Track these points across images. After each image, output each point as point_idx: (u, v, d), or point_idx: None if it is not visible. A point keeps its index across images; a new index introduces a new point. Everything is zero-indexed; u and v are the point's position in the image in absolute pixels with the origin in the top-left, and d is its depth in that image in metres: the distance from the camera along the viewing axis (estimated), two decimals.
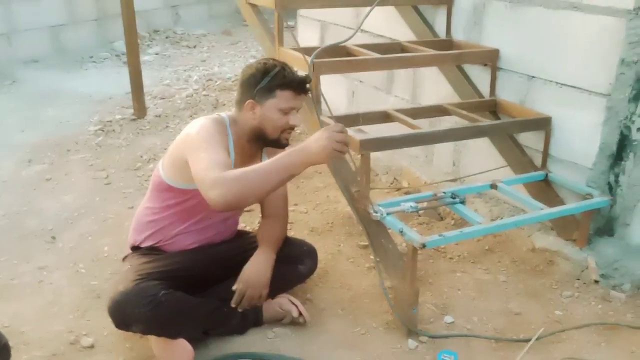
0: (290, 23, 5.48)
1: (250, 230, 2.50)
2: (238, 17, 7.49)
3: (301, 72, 1.93)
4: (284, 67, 1.86)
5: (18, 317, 2.06)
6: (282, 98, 1.85)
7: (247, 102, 1.87)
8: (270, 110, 1.86)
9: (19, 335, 1.97)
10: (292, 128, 1.92)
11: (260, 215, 2.17)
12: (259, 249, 2.01)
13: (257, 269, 1.96)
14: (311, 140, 1.66)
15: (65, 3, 5.90)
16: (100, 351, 1.91)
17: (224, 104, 4.47)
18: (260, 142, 1.94)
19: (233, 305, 1.91)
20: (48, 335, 1.97)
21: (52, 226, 2.68)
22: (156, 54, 6.26)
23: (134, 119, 4.11)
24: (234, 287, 1.92)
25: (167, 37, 6.94)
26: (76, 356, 1.89)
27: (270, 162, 1.64)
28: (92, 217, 2.77)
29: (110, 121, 4.07)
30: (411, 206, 1.98)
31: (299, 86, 1.86)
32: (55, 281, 2.29)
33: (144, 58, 5.92)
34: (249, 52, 6.48)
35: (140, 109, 4.16)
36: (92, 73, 5.50)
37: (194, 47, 6.69)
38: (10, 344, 1.87)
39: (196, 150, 1.73)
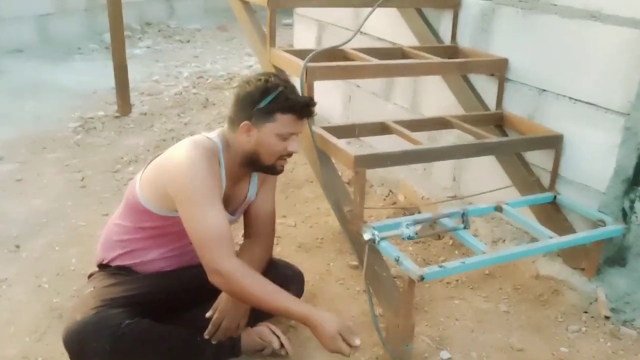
0: (287, 21, 5.30)
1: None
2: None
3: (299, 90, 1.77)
4: (286, 87, 1.67)
5: None
6: (283, 122, 1.66)
7: (243, 124, 1.66)
8: (267, 135, 1.66)
9: None
10: (289, 155, 1.74)
11: (243, 231, 1.97)
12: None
13: (233, 300, 1.75)
14: (321, 326, 1.54)
15: None
16: None
17: (214, 104, 4.27)
18: (253, 167, 1.75)
19: (206, 337, 1.71)
20: None
21: (17, 233, 2.48)
22: (147, 47, 6.05)
23: (117, 117, 3.91)
24: (207, 315, 1.72)
25: (159, 31, 6.72)
26: None
27: (280, 305, 1.57)
28: (61, 224, 2.56)
29: (92, 118, 3.86)
30: (409, 236, 1.77)
31: (303, 110, 1.68)
32: (14, 296, 2.08)
33: (134, 51, 5.71)
34: (244, 50, 6.27)
35: (124, 106, 3.95)
36: (78, 65, 5.28)
37: (187, 42, 6.48)
38: None
39: (189, 202, 1.58)
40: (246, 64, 5.63)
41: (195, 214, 1.57)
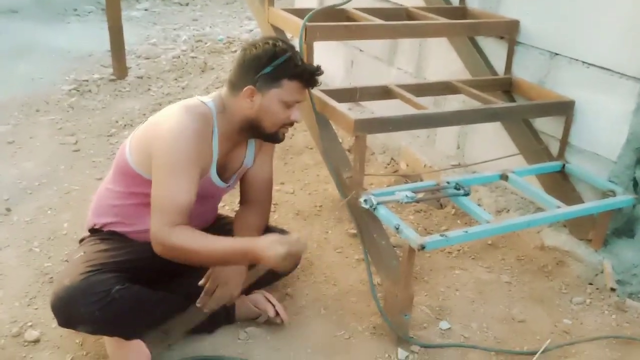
0: None
1: (228, 213, 2.22)
2: None
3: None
4: (295, 53, 1.62)
5: None
6: (289, 89, 1.60)
7: (246, 88, 1.58)
8: (271, 102, 1.60)
9: None
10: (291, 124, 1.67)
11: (240, 198, 1.90)
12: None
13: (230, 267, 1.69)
14: (266, 246, 1.48)
15: None
16: (46, 347, 1.68)
17: (212, 68, 4.15)
18: (252, 133, 1.68)
19: (198, 305, 1.65)
20: None
21: (8, 196, 2.41)
22: (145, 10, 5.88)
23: (113, 80, 3.80)
24: (200, 283, 1.66)
25: None
26: (18, 351, 1.65)
27: (218, 249, 1.53)
28: (54, 188, 2.50)
29: (87, 80, 3.76)
30: (407, 196, 1.70)
31: (310, 78, 1.64)
32: (4, 260, 2.03)
33: (131, 13, 5.56)
34: (244, 13, 6.09)
35: (120, 69, 3.84)
36: (74, 27, 5.14)
37: (186, 4, 6.30)
38: None
39: (162, 167, 1.54)
40: (246, 27, 5.48)
41: (161, 180, 1.54)
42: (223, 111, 1.65)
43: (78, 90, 3.59)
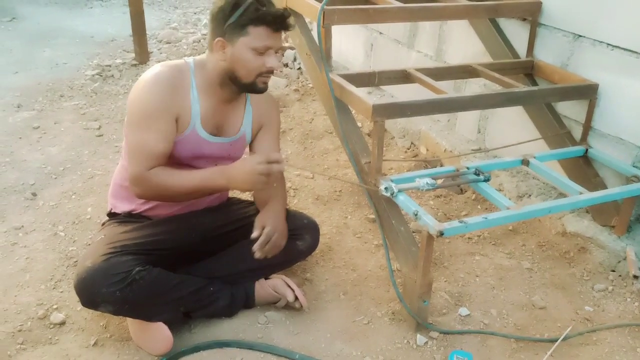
0: None
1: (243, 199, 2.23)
2: None
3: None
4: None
5: None
6: (256, 35, 1.57)
7: (216, 40, 1.59)
8: (242, 50, 1.58)
9: None
10: (270, 71, 1.64)
11: None
12: (272, 202, 1.76)
13: (277, 216, 1.73)
14: (235, 168, 1.58)
15: None
16: (71, 329, 1.72)
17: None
18: (234, 86, 1.66)
19: (256, 250, 1.65)
20: (15, 308, 1.78)
21: (33, 181, 2.46)
22: None
23: (135, 64, 3.83)
24: (255, 234, 1.66)
25: None
26: (44, 334, 1.69)
27: (191, 179, 1.61)
28: (78, 173, 2.54)
29: (110, 66, 3.80)
30: (427, 183, 1.69)
31: (275, 21, 1.58)
32: (31, 244, 2.08)
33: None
34: None
35: (142, 54, 3.87)
36: (96, 12, 5.18)
37: None
38: None
39: (134, 115, 1.61)
40: None
41: (134, 128, 1.60)
42: (203, 67, 1.66)
43: (101, 75, 3.63)
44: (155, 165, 1.60)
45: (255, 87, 1.66)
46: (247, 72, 1.61)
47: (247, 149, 1.87)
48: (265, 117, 1.83)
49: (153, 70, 1.63)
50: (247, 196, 2.25)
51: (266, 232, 1.67)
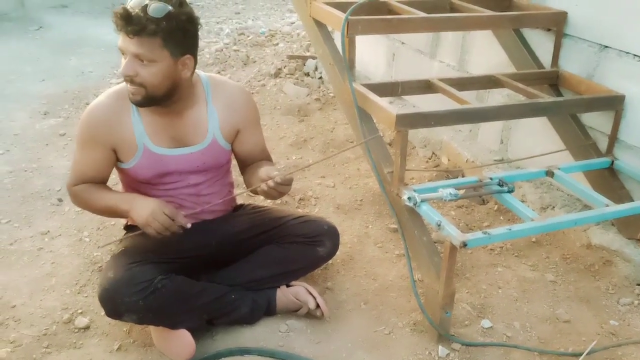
0: None
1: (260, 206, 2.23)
2: None
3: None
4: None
5: (11, 288, 1.90)
6: (120, 43, 1.49)
7: None
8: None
9: (9, 309, 1.81)
10: (125, 79, 1.52)
11: (240, 172, 1.90)
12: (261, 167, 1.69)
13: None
14: (140, 202, 1.59)
15: None
16: (95, 334, 1.74)
17: (255, 61, 4.20)
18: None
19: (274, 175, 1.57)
20: (40, 312, 1.81)
21: (60, 187, 2.50)
22: (190, 3, 5.96)
23: None
24: (274, 173, 1.57)
25: None
26: (68, 338, 1.72)
27: (104, 200, 1.68)
28: None
29: None
30: (450, 193, 1.69)
31: (118, 23, 1.43)
32: (56, 249, 2.11)
33: None
34: (286, 6, 6.13)
35: None
36: None
37: None
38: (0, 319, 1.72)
39: (75, 140, 1.72)
40: (288, 20, 5.50)
41: (75, 149, 1.72)
42: None
43: None
44: (81, 183, 1.71)
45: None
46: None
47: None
48: (238, 118, 1.74)
49: (94, 102, 1.66)
50: (264, 202, 2.27)
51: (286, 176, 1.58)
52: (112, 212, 1.72)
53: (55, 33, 4.72)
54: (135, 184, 1.73)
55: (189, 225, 1.60)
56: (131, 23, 1.42)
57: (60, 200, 2.42)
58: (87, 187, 1.71)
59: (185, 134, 1.69)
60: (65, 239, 2.17)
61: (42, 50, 4.31)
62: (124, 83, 1.58)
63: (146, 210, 1.54)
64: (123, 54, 1.50)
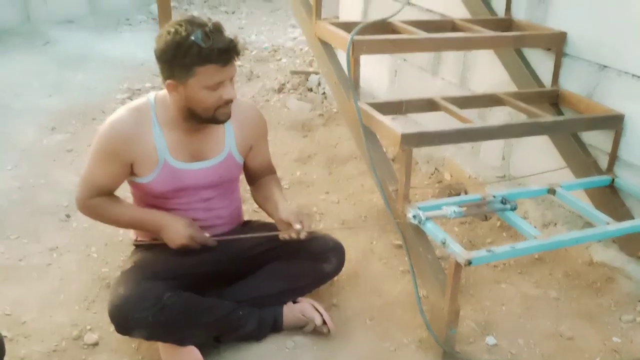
0: None
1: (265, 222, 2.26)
2: None
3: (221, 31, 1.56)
4: (200, 34, 1.50)
5: (21, 304, 1.92)
6: (206, 75, 1.54)
7: (167, 83, 1.59)
8: (194, 91, 1.56)
9: (19, 325, 1.83)
10: (228, 102, 1.63)
11: (248, 183, 1.98)
12: (279, 197, 1.81)
13: (293, 208, 1.80)
14: (169, 226, 1.70)
15: None
16: (104, 350, 1.76)
17: (258, 76, 4.25)
18: (196, 120, 1.66)
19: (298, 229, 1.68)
20: (50, 328, 1.83)
21: (67, 203, 2.53)
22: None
23: (163, 88, 3.92)
24: (298, 226, 1.68)
25: (205, 2, 6.70)
26: (77, 354, 1.74)
27: (128, 215, 1.76)
28: None
29: (139, 89, 3.90)
30: (454, 211, 1.72)
31: (222, 57, 1.53)
32: (65, 265, 2.14)
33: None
34: (288, 21, 6.19)
35: None
36: (126, 36, 5.32)
37: (233, 12, 6.45)
38: (9, 335, 1.75)
39: (90, 151, 1.73)
40: (290, 35, 5.56)
41: (88, 160, 1.73)
42: (164, 102, 1.67)
43: (131, 99, 3.72)
44: (97, 195, 1.73)
45: (216, 120, 1.66)
46: (204, 110, 1.61)
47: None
48: (252, 135, 1.83)
49: (113, 116, 1.69)
50: (268, 218, 2.31)
51: (305, 228, 1.69)
52: (134, 227, 1.77)
53: (61, 48, 4.77)
54: (149, 198, 1.77)
55: (215, 244, 1.74)
56: (234, 51, 1.56)
57: (68, 215, 2.45)
58: (104, 201, 1.74)
59: (203, 148, 1.75)
60: (74, 255, 2.20)
61: (48, 65, 4.35)
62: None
63: (180, 233, 1.69)
64: (218, 86, 1.57)
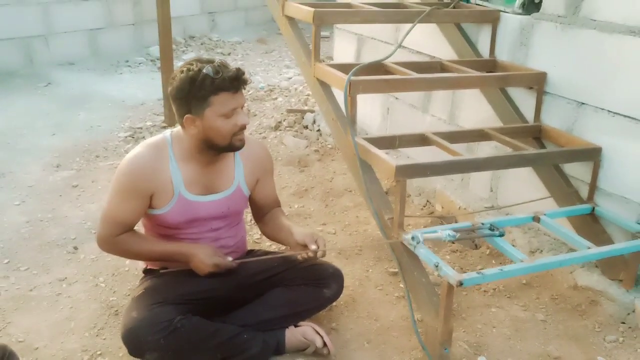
0: (325, 33, 5.42)
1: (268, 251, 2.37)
2: (274, 25, 7.46)
3: (223, 63, 1.75)
4: (210, 67, 1.68)
5: (33, 332, 2.00)
6: (220, 103, 1.70)
7: (185, 117, 1.74)
8: (211, 120, 1.72)
9: (32, 352, 1.91)
10: (242, 128, 1.78)
11: (255, 220, 2.13)
12: (294, 227, 1.94)
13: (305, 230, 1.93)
14: (195, 256, 1.81)
15: (103, 7, 5.93)
16: None
17: (255, 114, 4.41)
18: (213, 150, 1.81)
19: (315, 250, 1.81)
20: (62, 354, 1.91)
21: (74, 235, 2.63)
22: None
23: (164, 127, 4.07)
24: (313, 247, 1.82)
25: (202, 44, 6.94)
26: None
27: (156, 251, 1.87)
28: None
29: (141, 128, 4.05)
30: (449, 234, 1.85)
31: (233, 84, 1.71)
32: (74, 295, 2.23)
33: (178, 64, 5.90)
34: (282, 62, 6.42)
35: (171, 117, 4.10)
36: (126, 77, 5.51)
37: (229, 54, 6.68)
38: None
39: (110, 194, 1.84)
40: (285, 75, 5.77)
41: (109, 198, 1.84)
42: (180, 139, 1.82)
43: (133, 137, 3.87)
44: (121, 232, 1.83)
45: (233, 147, 1.81)
46: (222, 137, 1.76)
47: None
48: (259, 170, 1.98)
49: (133, 152, 1.82)
50: (271, 247, 2.43)
51: (321, 241, 1.85)
52: (161, 260, 1.87)
53: (63, 89, 4.93)
54: (161, 229, 1.88)
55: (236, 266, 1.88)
56: (243, 78, 1.73)
57: (75, 248, 2.54)
58: (131, 238, 1.85)
59: (214, 182, 1.88)
60: (82, 285, 2.28)
61: (51, 106, 4.50)
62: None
63: (206, 262, 1.81)
64: (232, 113, 1.73)
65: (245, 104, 1.81)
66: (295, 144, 3.79)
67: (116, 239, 1.84)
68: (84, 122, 4.18)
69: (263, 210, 2.07)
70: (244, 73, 1.75)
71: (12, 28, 5.18)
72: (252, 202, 2.05)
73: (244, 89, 1.76)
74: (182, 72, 1.71)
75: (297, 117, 4.21)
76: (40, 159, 3.46)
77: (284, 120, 4.17)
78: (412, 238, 1.83)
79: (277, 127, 4.10)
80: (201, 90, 1.68)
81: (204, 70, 1.67)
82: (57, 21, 5.54)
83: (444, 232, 1.83)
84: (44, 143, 3.72)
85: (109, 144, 3.75)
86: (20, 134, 3.86)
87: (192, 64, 1.72)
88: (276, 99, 4.84)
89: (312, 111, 4.19)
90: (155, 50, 5.89)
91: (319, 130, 4.01)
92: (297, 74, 5.67)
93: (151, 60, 6.04)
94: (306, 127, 4.09)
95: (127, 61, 5.93)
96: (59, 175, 3.27)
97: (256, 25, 7.88)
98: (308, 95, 4.75)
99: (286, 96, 4.90)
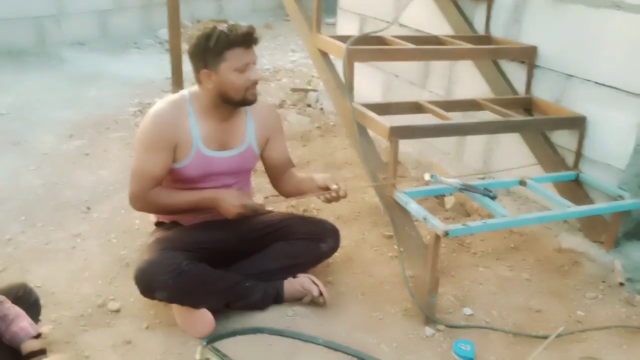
0: (331, 20, 5.54)
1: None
2: (280, 11, 7.58)
3: (242, 24, 1.85)
4: (224, 25, 1.81)
5: (50, 279, 2.15)
6: (234, 57, 1.82)
7: (201, 72, 1.86)
8: (226, 74, 1.83)
9: (49, 295, 2.05)
10: (255, 83, 1.89)
11: (274, 185, 2.23)
12: (314, 175, 2.06)
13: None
14: (224, 200, 1.89)
15: None
16: (126, 315, 1.98)
17: (260, 94, 4.52)
18: (228, 104, 1.92)
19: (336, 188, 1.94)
20: (77, 297, 2.05)
21: (87, 197, 2.78)
22: None
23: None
24: (335, 187, 1.95)
25: None
26: (103, 318, 1.96)
27: (186, 200, 1.93)
28: (126, 192, 2.77)
29: (150, 103, 4.17)
30: (455, 186, 1.98)
31: (246, 39, 1.82)
32: (88, 248, 2.37)
33: (186, 47, 6.04)
34: (288, 46, 6.54)
35: None
36: (135, 58, 5.64)
37: None
38: (41, 302, 1.97)
39: (136, 151, 1.93)
40: (290, 58, 5.89)
41: (136, 155, 1.93)
42: (197, 96, 1.94)
43: (142, 112, 4.00)
44: (152, 187, 1.91)
45: (247, 101, 1.92)
46: (236, 91, 1.87)
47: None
48: (269, 129, 2.09)
49: (154, 108, 1.93)
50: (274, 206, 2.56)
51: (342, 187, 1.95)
52: (190, 209, 1.96)
53: (74, 67, 5.07)
54: (179, 183, 2.00)
55: (264, 209, 1.98)
56: (254, 35, 1.83)
57: (88, 208, 2.69)
58: (161, 192, 1.93)
59: (228, 139, 2.01)
60: (95, 240, 2.43)
61: (63, 83, 4.64)
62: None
63: (234, 203, 1.89)
64: (245, 67, 1.83)
65: (257, 61, 1.92)
66: (298, 121, 3.92)
67: (148, 194, 1.91)
68: (95, 97, 4.31)
69: (279, 171, 2.16)
70: (255, 29, 1.85)
71: (24, 7, 5.32)
72: (268, 163, 2.15)
73: (256, 45, 1.87)
74: (198, 30, 1.84)
75: (301, 95, 4.33)
76: (53, 130, 3.60)
77: (287, 99, 4.29)
78: (432, 176, 1.97)
79: (281, 105, 4.22)
80: (216, 45, 1.79)
81: (219, 27, 1.81)
82: (69, 2, 5.66)
83: (453, 180, 1.94)
84: (57, 115, 3.86)
85: (119, 117, 3.89)
86: (34, 107, 4.00)
87: (207, 24, 1.84)
88: (281, 80, 4.96)
89: (315, 90, 4.31)
90: (163, 34, 6.02)
91: (321, 108, 4.13)
92: (302, 57, 5.79)
93: (159, 43, 6.16)
94: (309, 105, 4.21)
95: (136, 43, 6.06)
96: (72, 144, 3.42)
97: (263, 12, 7.98)
98: (312, 76, 4.87)
99: (290, 77, 5.02)
